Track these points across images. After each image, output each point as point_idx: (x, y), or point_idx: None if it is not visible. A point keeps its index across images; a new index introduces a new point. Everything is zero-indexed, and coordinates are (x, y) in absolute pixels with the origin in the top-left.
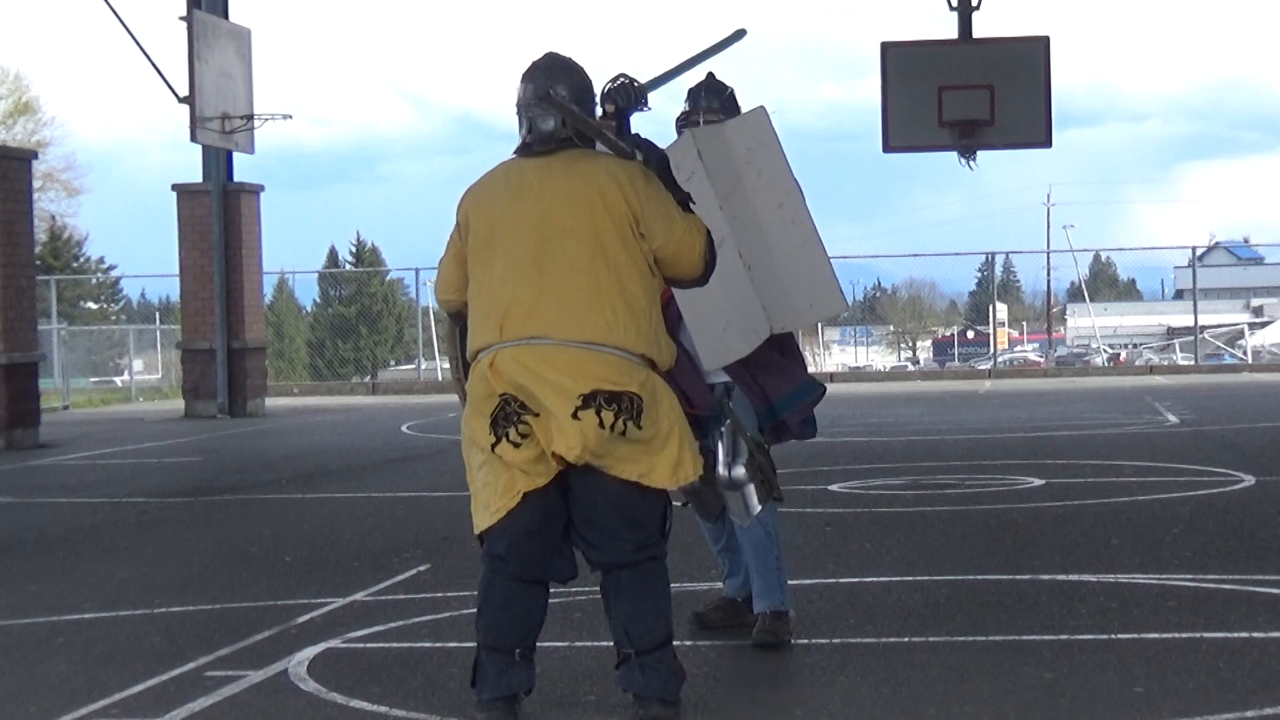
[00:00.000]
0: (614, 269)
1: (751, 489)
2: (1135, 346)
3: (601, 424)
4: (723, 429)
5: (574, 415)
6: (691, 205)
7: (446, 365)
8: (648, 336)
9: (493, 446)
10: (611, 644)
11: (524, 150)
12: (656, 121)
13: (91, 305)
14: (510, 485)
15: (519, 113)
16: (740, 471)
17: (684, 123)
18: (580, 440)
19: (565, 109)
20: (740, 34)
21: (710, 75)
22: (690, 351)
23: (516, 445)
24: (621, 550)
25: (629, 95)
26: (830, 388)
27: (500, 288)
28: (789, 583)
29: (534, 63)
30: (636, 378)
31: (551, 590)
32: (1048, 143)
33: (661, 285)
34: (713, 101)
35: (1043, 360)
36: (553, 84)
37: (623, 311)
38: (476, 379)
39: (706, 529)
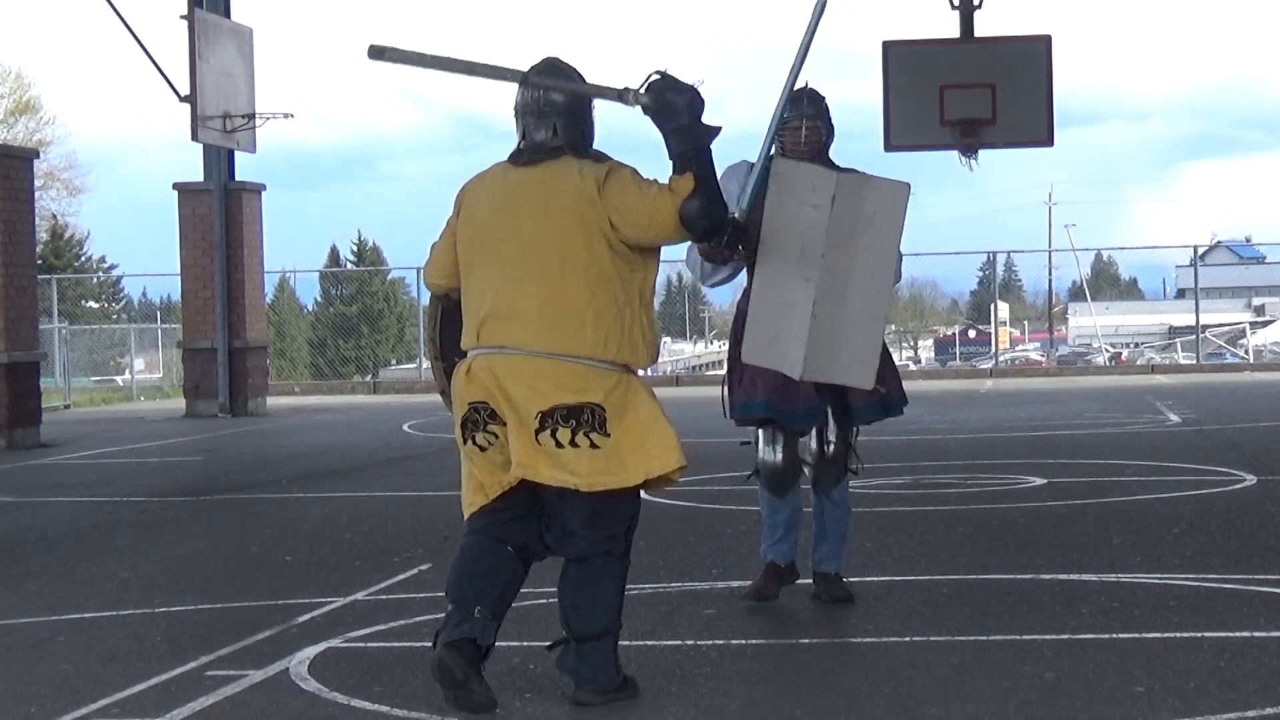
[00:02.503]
0: (586, 279)
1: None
2: (1137, 346)
3: (559, 444)
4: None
5: (535, 439)
6: (705, 150)
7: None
8: (618, 341)
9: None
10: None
11: (515, 157)
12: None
13: (93, 304)
14: (480, 485)
15: (516, 117)
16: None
17: (782, 127)
18: (532, 462)
19: (553, 84)
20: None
21: (808, 85)
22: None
23: (482, 450)
24: (582, 547)
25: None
26: None
27: (479, 297)
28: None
29: (532, 67)
30: (604, 385)
31: (551, 590)
32: (1049, 142)
33: (648, 275)
34: (810, 109)
35: (1044, 359)
36: (550, 94)
37: (591, 321)
38: (456, 381)
39: (769, 501)
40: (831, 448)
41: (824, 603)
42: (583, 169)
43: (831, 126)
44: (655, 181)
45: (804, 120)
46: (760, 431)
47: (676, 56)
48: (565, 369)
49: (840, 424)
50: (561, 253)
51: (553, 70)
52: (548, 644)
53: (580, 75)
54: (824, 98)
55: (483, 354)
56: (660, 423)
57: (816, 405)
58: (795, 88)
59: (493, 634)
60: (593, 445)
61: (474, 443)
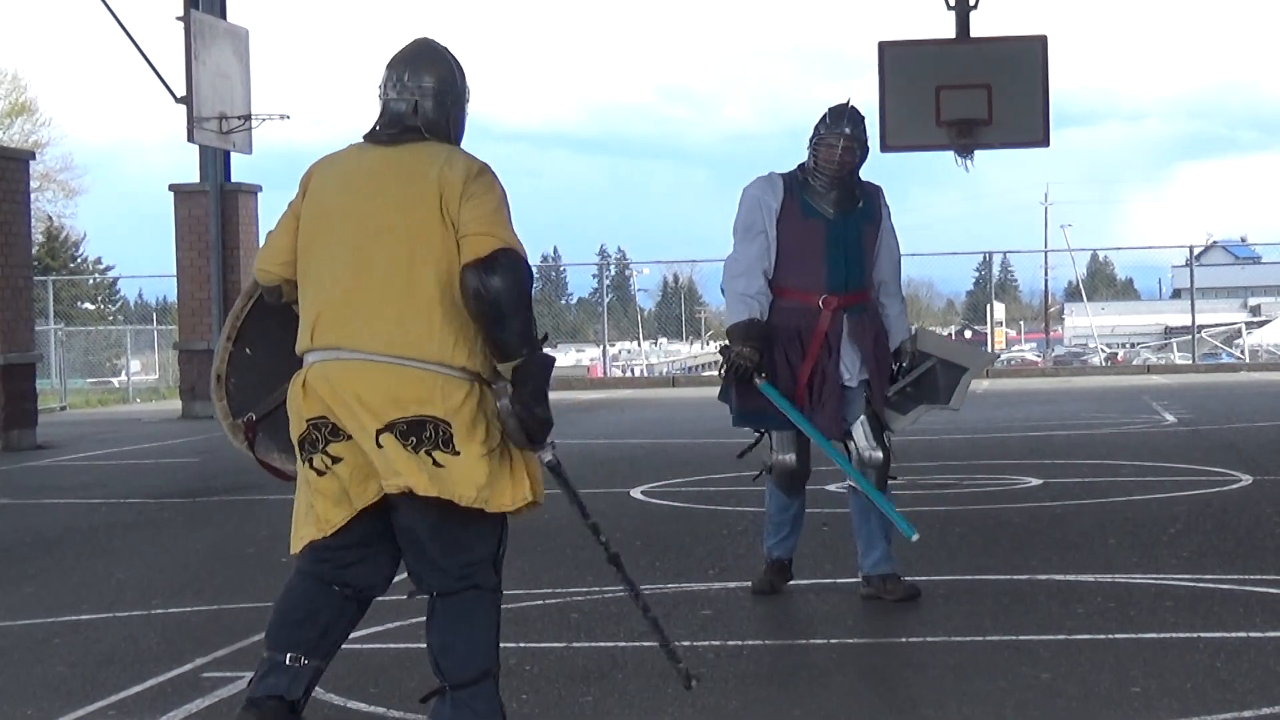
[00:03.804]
0: (437, 275)
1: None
2: (1133, 346)
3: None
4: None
5: (377, 443)
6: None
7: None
8: (469, 346)
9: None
10: (606, 645)
11: (372, 136)
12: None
13: (89, 306)
14: (318, 518)
15: (380, 99)
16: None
17: (818, 142)
18: (390, 469)
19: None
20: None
21: (850, 103)
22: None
23: (320, 474)
24: (443, 578)
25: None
26: None
27: (317, 288)
28: (787, 582)
29: (400, 49)
30: (453, 397)
31: (549, 591)
32: (1045, 142)
33: None
34: (849, 128)
35: (1040, 360)
36: (418, 72)
37: (440, 321)
38: (292, 394)
39: (779, 499)
40: (878, 452)
41: (890, 603)
42: (452, 157)
43: (867, 147)
44: (500, 230)
45: (841, 139)
46: (774, 434)
47: (676, 56)
48: (409, 377)
49: (875, 429)
50: (413, 242)
51: (420, 53)
52: (421, 698)
53: (449, 59)
54: (864, 117)
55: (318, 360)
56: (506, 453)
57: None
58: (839, 104)
59: (305, 681)
60: (435, 464)
61: (311, 465)
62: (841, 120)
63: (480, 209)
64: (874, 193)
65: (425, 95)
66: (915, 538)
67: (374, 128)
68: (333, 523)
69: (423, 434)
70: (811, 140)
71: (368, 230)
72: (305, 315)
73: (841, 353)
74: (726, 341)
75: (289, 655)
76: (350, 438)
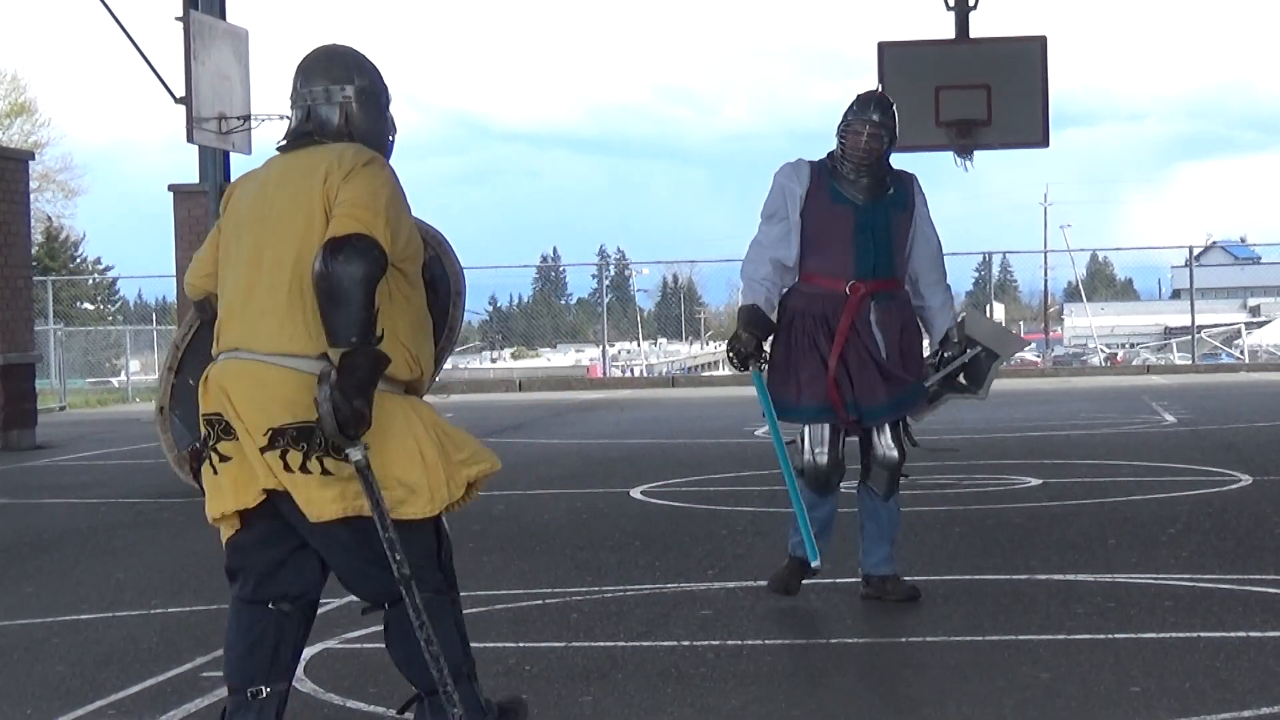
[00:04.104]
0: None
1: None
2: (1132, 346)
3: (287, 466)
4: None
5: (261, 456)
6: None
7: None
8: None
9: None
10: (606, 645)
11: (280, 145)
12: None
13: (88, 306)
14: (220, 504)
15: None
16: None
17: (845, 129)
18: (263, 482)
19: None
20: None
21: (879, 90)
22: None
23: (215, 473)
24: (378, 588)
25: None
26: None
27: (225, 293)
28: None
29: (306, 55)
30: None
31: (548, 591)
32: (1045, 143)
33: (409, 286)
34: (876, 115)
35: (1040, 360)
36: (310, 79)
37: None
38: (200, 392)
39: (810, 498)
40: (894, 451)
41: (890, 603)
42: (343, 152)
43: (895, 134)
44: (365, 214)
45: (867, 126)
46: (807, 430)
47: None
48: (294, 378)
49: (895, 427)
50: (301, 241)
51: (318, 58)
52: (397, 710)
53: (359, 62)
54: (892, 104)
55: (220, 359)
56: (443, 437)
57: (824, 404)
58: (867, 90)
59: (273, 710)
60: (324, 471)
61: (210, 463)
62: (869, 107)
63: (354, 192)
64: (907, 180)
65: (317, 101)
66: (816, 564)
67: (282, 138)
68: (214, 518)
69: (312, 439)
70: (839, 127)
71: (265, 234)
72: (217, 319)
73: (869, 337)
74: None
75: (249, 691)
76: (238, 438)
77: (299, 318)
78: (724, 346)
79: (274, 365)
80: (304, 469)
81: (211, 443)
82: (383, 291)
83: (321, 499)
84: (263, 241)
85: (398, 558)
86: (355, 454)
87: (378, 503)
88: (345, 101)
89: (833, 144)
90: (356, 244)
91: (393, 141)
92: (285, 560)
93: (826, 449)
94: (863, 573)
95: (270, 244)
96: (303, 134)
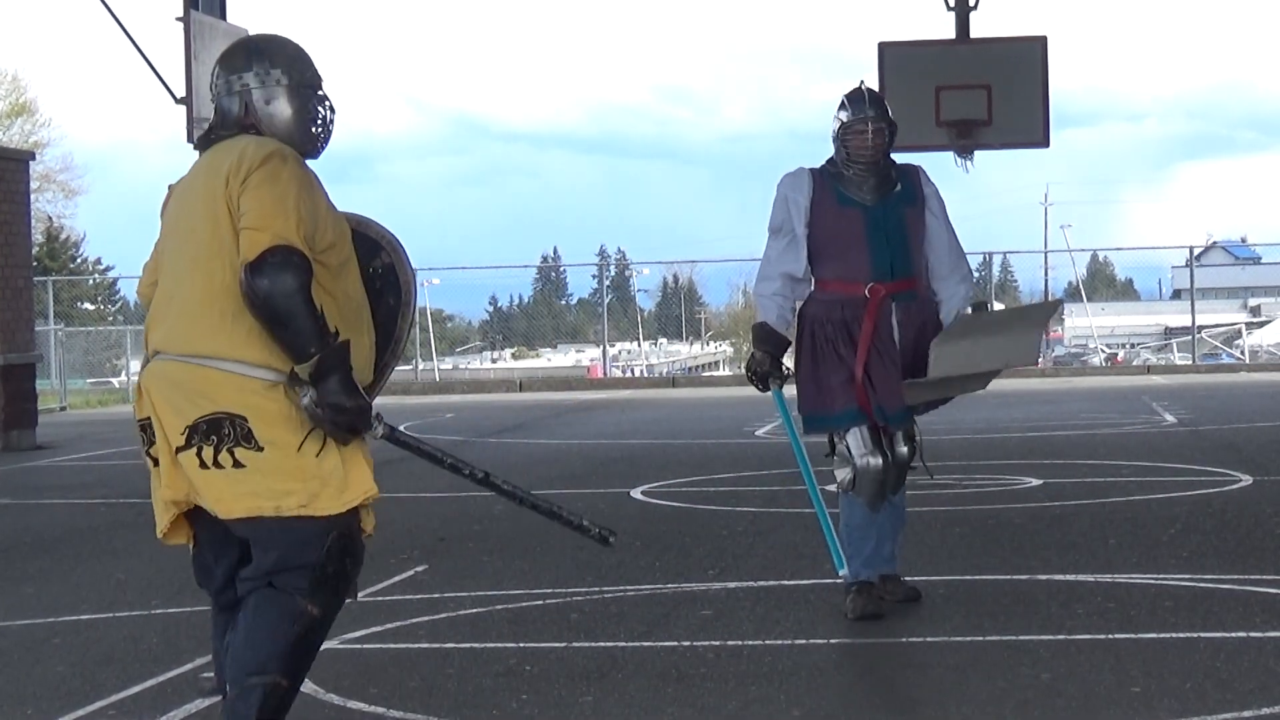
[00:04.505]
0: (232, 267)
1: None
2: (1133, 346)
3: (203, 463)
4: None
5: (175, 458)
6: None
7: (432, 366)
8: (266, 340)
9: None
10: (606, 645)
11: (196, 147)
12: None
13: (89, 306)
14: (157, 521)
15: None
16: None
17: (845, 133)
18: (185, 485)
19: None
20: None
21: (864, 84)
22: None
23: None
24: (249, 580)
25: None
26: None
27: (154, 298)
28: (787, 582)
29: (229, 47)
30: (249, 392)
31: (549, 591)
32: (1045, 143)
33: (331, 278)
34: (873, 111)
35: (1040, 360)
36: (218, 75)
37: (232, 316)
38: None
39: (860, 510)
40: (905, 448)
41: (890, 603)
42: (245, 147)
43: (895, 125)
44: (274, 222)
45: (869, 123)
46: (857, 435)
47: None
48: (206, 375)
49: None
50: (207, 239)
51: (226, 53)
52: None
53: (254, 49)
54: (882, 96)
55: (148, 364)
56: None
57: (858, 407)
58: (853, 89)
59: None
60: (236, 464)
61: (151, 470)
62: (863, 104)
63: (256, 199)
64: (912, 174)
65: (222, 94)
66: (844, 573)
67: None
68: (161, 528)
69: (221, 431)
70: (836, 133)
71: (180, 238)
72: (145, 325)
73: (890, 340)
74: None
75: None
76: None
77: (213, 320)
78: (724, 346)
79: (184, 364)
80: (216, 464)
81: (146, 448)
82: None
83: (231, 495)
84: (180, 246)
85: (478, 475)
86: (377, 433)
87: (422, 451)
88: (244, 90)
89: (829, 145)
90: (273, 259)
91: (320, 131)
92: (240, 565)
93: (878, 451)
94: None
95: (186, 248)
96: (209, 130)
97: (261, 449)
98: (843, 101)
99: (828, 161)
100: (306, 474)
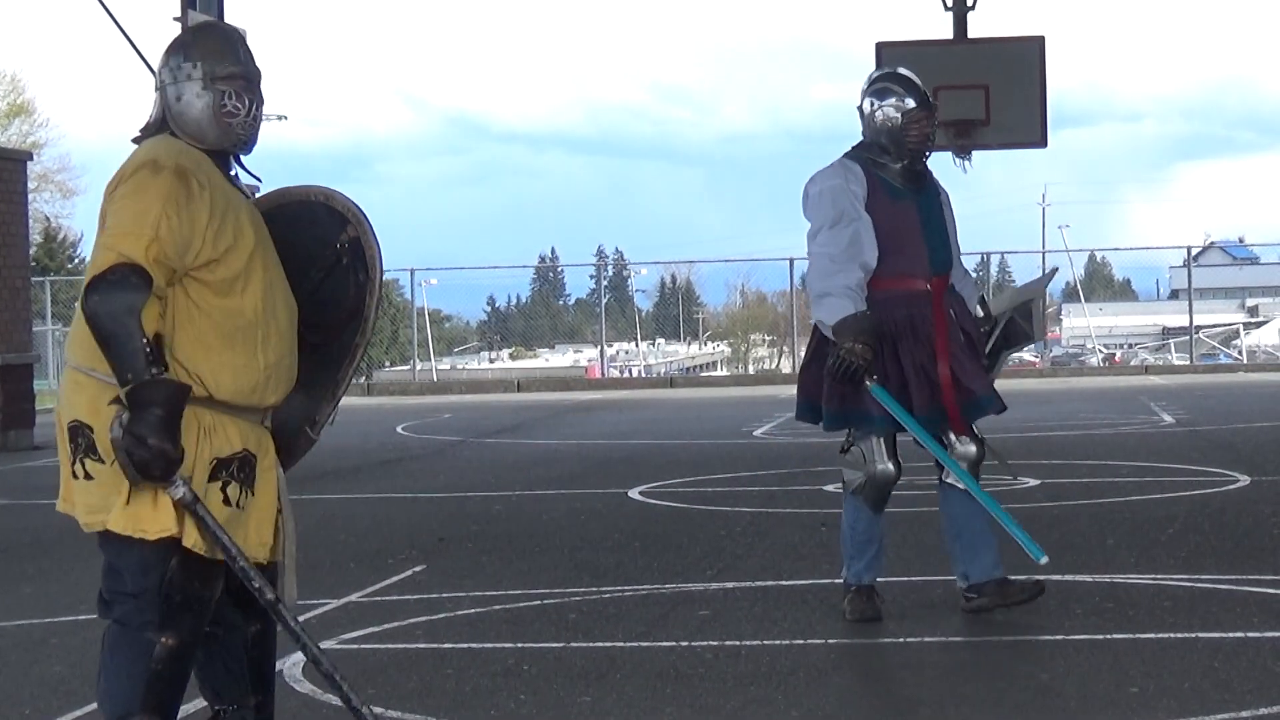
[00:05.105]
0: None
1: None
2: (1130, 346)
3: (73, 472)
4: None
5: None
6: None
7: (430, 366)
8: None
9: None
10: (604, 645)
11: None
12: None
13: None
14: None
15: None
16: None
17: (908, 123)
18: (68, 495)
19: None
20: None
21: (899, 69)
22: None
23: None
24: (99, 603)
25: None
26: None
27: None
28: (785, 583)
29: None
30: (99, 402)
31: (547, 591)
32: (1043, 143)
33: (214, 295)
34: (926, 98)
35: (1038, 360)
36: (157, 73)
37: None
38: None
39: (867, 515)
40: (973, 446)
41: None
42: (132, 156)
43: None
44: (122, 242)
45: (926, 113)
46: (873, 441)
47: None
48: (73, 381)
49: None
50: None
51: (196, 41)
52: None
53: (177, 44)
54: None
55: None
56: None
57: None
58: (882, 71)
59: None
60: (86, 475)
61: None
62: (915, 90)
63: (116, 213)
64: (927, 166)
65: (157, 92)
66: (1044, 560)
67: None
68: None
69: (78, 439)
70: (895, 122)
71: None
72: None
73: (958, 330)
74: (836, 341)
75: (215, 709)
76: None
77: (84, 327)
78: (722, 346)
79: (68, 369)
80: (74, 474)
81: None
82: (172, 304)
83: (83, 507)
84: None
85: (257, 586)
86: (175, 492)
87: (216, 535)
88: (161, 88)
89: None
90: (111, 278)
91: (234, 122)
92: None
93: (892, 460)
94: (969, 582)
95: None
96: (140, 131)
97: (103, 461)
98: (894, 90)
99: (859, 151)
100: (130, 493)
